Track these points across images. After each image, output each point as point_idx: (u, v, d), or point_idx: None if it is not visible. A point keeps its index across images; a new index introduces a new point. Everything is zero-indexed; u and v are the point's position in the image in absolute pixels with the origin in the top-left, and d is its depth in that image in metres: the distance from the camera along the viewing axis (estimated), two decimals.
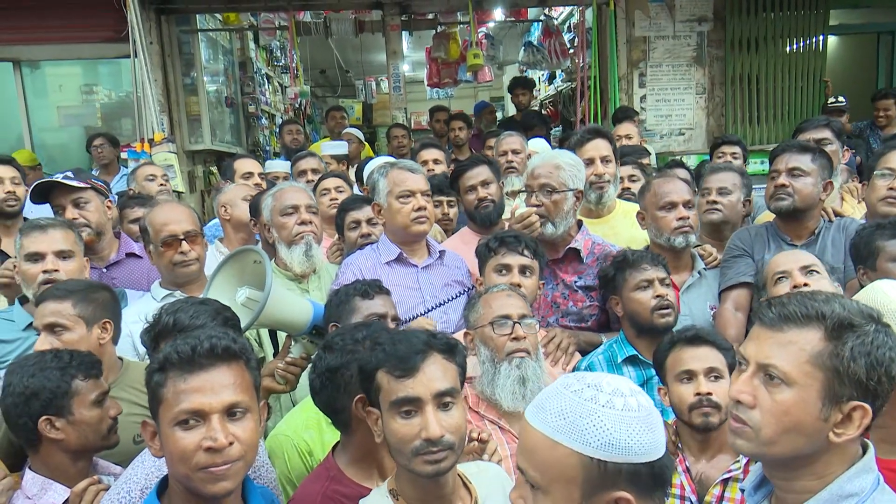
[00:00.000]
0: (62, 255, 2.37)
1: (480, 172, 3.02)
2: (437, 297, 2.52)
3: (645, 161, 3.93)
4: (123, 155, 5.28)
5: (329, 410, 1.65)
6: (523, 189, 2.67)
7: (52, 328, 2.00)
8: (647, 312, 2.25)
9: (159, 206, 2.60)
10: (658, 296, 2.26)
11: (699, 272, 2.66)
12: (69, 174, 2.88)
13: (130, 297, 2.62)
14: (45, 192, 2.88)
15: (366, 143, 6.81)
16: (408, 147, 5.77)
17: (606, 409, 1.06)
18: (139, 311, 2.31)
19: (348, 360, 1.59)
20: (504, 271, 2.29)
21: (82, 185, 2.84)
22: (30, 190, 2.94)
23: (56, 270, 2.33)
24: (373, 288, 2.03)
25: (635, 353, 2.26)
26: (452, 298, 2.49)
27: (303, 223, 2.63)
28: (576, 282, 2.60)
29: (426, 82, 8.37)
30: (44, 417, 1.70)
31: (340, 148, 5.52)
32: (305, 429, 1.91)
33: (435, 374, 1.37)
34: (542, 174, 2.58)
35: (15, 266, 2.43)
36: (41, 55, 5.90)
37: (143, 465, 1.65)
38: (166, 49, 6.02)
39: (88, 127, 6.48)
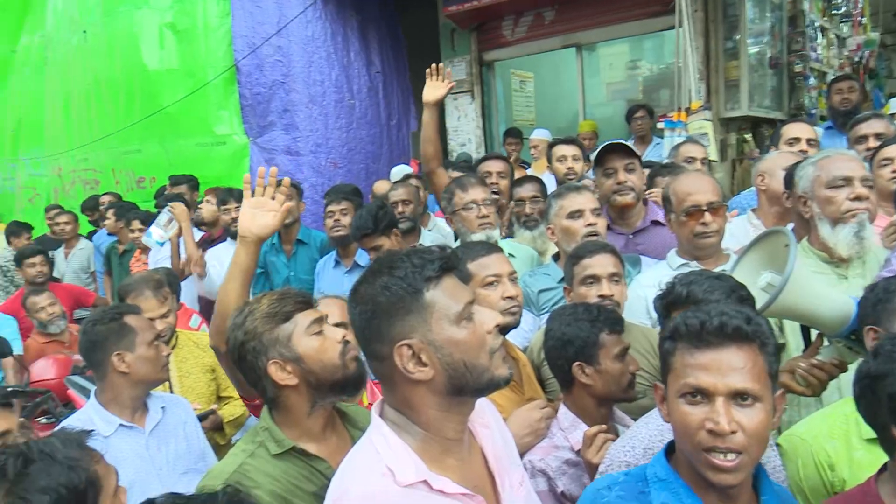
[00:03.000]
0: (595, 212, 2.69)
1: None
2: None
3: None
4: (660, 125, 5.52)
5: (872, 424, 1.39)
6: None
7: (610, 278, 2.27)
8: None
9: (684, 175, 2.60)
10: None
11: None
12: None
13: (645, 263, 2.78)
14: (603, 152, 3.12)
15: None
16: None
17: None
18: (654, 277, 2.41)
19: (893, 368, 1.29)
20: None
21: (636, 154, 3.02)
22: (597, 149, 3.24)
23: (595, 224, 2.66)
24: None
25: None
26: None
27: (856, 198, 2.23)
28: None
29: None
30: (577, 363, 1.92)
31: None
32: (829, 438, 1.69)
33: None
34: None
35: None
36: (597, 38, 6.59)
37: (648, 425, 1.70)
38: (710, 15, 5.96)
39: (630, 100, 7.07)
